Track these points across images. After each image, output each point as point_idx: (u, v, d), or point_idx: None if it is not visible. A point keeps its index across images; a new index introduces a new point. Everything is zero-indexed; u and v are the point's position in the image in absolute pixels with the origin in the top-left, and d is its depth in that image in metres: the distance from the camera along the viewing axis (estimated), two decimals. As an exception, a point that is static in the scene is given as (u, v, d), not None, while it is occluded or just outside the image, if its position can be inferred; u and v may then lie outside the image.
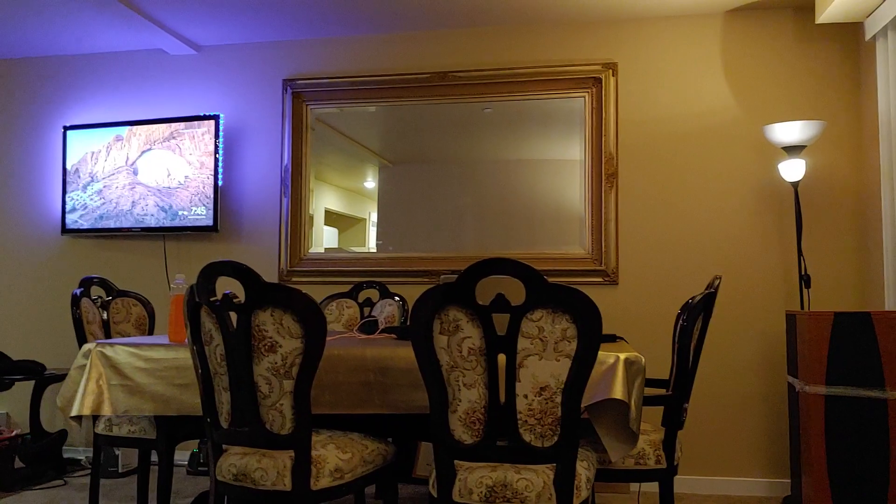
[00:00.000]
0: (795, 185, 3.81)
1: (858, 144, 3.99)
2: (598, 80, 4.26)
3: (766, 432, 4.02)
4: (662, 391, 2.88)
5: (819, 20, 3.79)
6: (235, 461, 2.25)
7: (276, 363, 2.15)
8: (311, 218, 4.61)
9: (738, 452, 4.03)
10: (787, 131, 3.68)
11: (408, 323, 3.66)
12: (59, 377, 4.40)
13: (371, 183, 4.58)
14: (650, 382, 2.94)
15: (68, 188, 4.81)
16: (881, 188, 3.57)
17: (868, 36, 3.65)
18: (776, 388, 4.01)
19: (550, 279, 1.93)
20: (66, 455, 4.65)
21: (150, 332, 3.77)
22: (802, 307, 3.83)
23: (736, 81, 4.16)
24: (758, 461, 4.01)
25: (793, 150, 3.75)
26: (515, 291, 1.96)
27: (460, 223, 4.40)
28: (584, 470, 2.11)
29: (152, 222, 4.64)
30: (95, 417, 3.12)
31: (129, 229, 4.69)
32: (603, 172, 4.21)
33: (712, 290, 2.63)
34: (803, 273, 3.83)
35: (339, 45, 4.63)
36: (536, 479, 2.02)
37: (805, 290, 3.92)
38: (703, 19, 4.21)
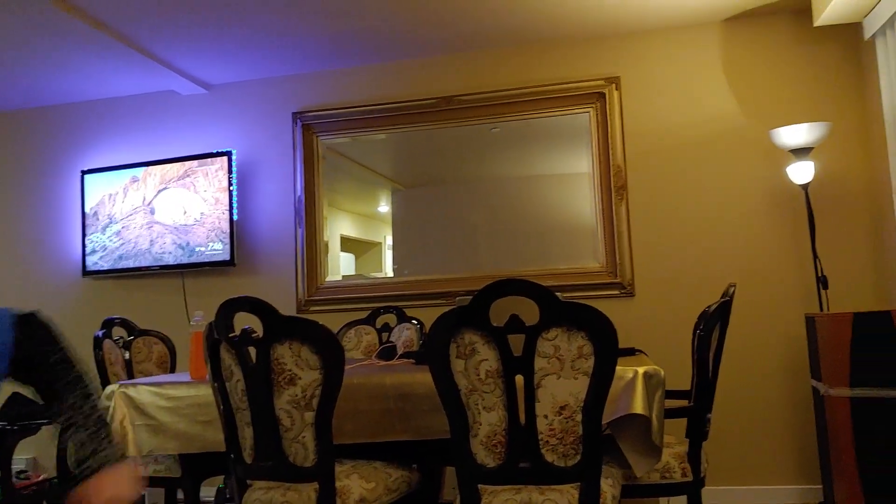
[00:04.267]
0: (805, 187, 3.80)
1: (866, 143, 3.98)
2: (601, 95, 4.28)
3: (793, 438, 3.98)
4: (685, 402, 2.87)
5: (817, 22, 3.79)
6: (260, 496, 2.26)
7: (296, 395, 2.17)
8: (327, 245, 4.65)
9: (767, 460, 3.99)
10: (794, 134, 3.68)
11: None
12: (86, 419, 4.43)
13: (385, 207, 4.62)
14: (672, 394, 2.92)
15: (88, 231, 4.89)
16: (892, 185, 3.55)
17: (867, 35, 3.65)
18: (800, 392, 3.98)
19: (566, 294, 1.94)
20: (95, 496, 4.67)
21: (172, 370, 3.81)
22: (821, 309, 3.80)
23: (739, 88, 4.16)
24: (787, 468, 3.97)
25: (800, 152, 3.74)
26: (531, 311, 1.97)
27: (474, 243, 4.42)
28: (609, 487, 2.11)
29: (170, 260, 4.70)
30: (122, 457, 3.15)
31: (147, 268, 4.75)
32: (612, 185, 4.22)
33: (727, 298, 2.63)
34: (820, 275, 3.80)
35: (345, 76, 4.68)
36: (561, 498, 2.02)
37: (823, 292, 3.89)
38: (701, 28, 4.23)
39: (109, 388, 2.71)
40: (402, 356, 3.15)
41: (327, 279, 4.62)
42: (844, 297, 3.94)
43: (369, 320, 4.07)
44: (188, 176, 4.69)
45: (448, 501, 4.15)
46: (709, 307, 2.62)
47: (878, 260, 3.92)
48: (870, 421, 3.14)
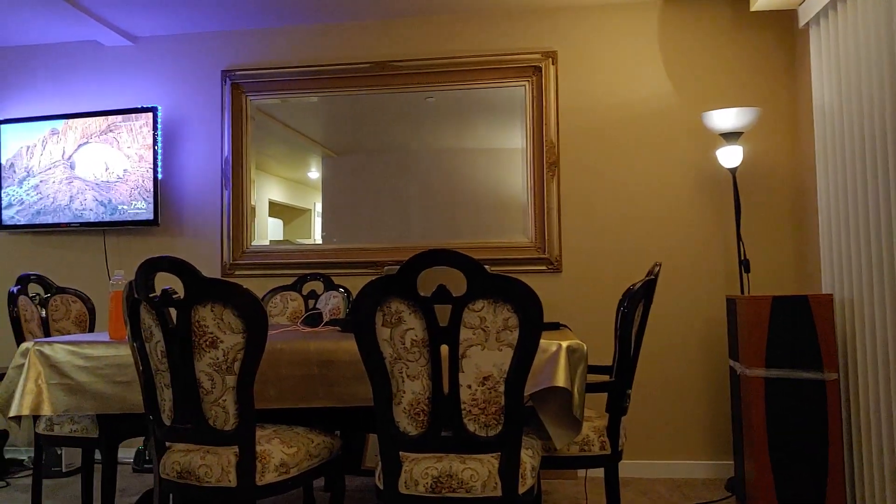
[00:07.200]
0: (733, 171, 3.89)
1: (794, 130, 4.09)
2: (538, 69, 4.28)
3: (709, 415, 4.11)
4: (606, 377, 2.92)
5: (754, 7, 3.86)
6: (179, 458, 2.22)
7: (217, 359, 2.12)
8: (254, 209, 4.55)
9: (682, 436, 4.12)
10: (724, 118, 3.75)
11: (352, 315, 3.64)
12: (-3, 377, 4.27)
13: (315, 173, 4.54)
14: (594, 369, 2.98)
15: (4, 183, 4.66)
16: (816, 173, 3.67)
17: (802, 23, 3.73)
18: (718, 371, 4.11)
19: (495, 268, 1.95)
20: (7, 455, 4.53)
21: (91, 330, 3.69)
22: (742, 291, 3.92)
23: (674, 69, 4.22)
24: (701, 444, 4.11)
25: (730, 136, 3.82)
26: (458, 282, 1.97)
27: (405, 213, 4.40)
28: (528, 458, 2.13)
29: (91, 217, 4.53)
30: (36, 417, 3.05)
31: (67, 224, 4.57)
32: (545, 161, 4.24)
33: (652, 276, 2.68)
34: (743, 258, 3.91)
35: (278, 36, 4.56)
36: (482, 468, 2.03)
37: (745, 275, 4.01)
38: (641, 7, 4.26)
39: (24, 346, 2.62)
40: (327, 323, 3.11)
41: (253, 243, 4.54)
42: (765, 281, 4.07)
43: (296, 287, 4.01)
44: (111, 131, 4.52)
45: (370, 468, 4.15)
46: (633, 285, 2.67)
47: (799, 246, 4.06)
48: (782, 401, 3.26)
